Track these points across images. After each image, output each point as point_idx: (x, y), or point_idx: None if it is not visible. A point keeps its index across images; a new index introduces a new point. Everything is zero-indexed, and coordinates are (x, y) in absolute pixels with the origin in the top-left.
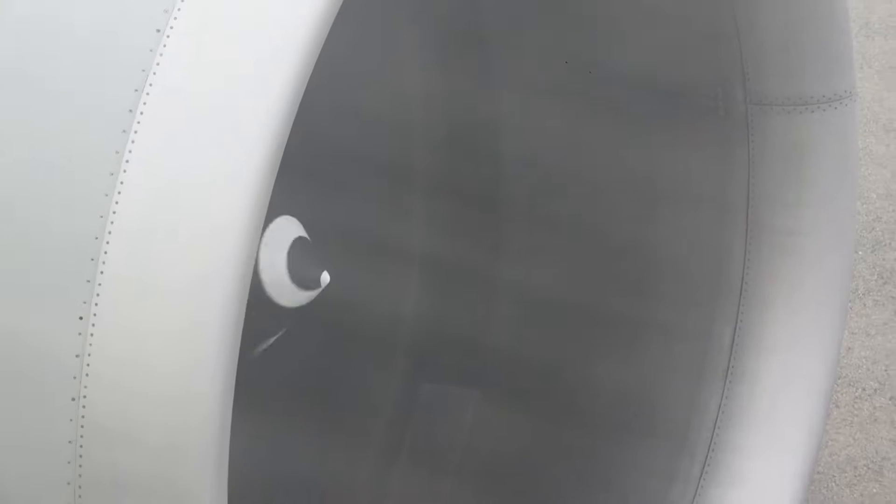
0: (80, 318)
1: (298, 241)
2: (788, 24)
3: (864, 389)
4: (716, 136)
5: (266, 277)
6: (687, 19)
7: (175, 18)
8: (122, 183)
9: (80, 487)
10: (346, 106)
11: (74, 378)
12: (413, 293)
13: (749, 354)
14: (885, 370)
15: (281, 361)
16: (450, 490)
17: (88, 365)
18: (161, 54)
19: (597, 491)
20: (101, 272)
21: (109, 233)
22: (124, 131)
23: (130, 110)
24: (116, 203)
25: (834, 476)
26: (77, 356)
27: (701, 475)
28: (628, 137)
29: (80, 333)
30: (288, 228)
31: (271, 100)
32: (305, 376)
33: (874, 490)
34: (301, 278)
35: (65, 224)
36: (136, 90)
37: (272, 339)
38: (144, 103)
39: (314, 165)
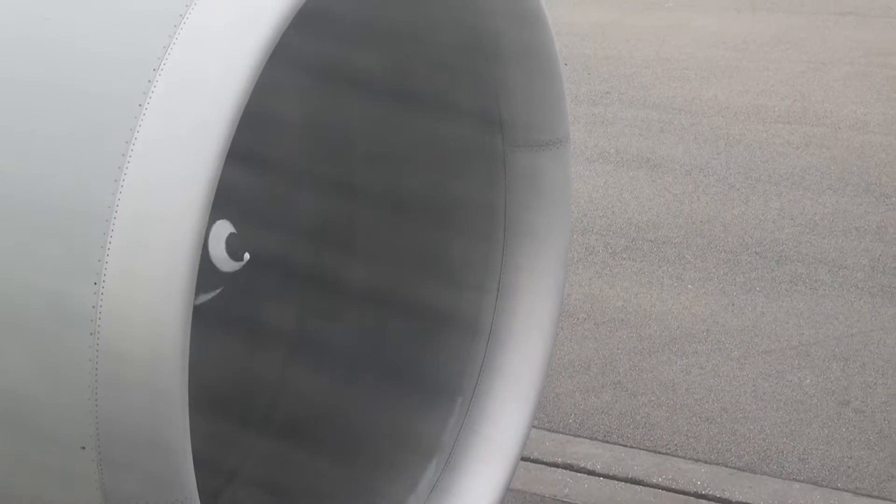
0: (95, 283)
1: (231, 235)
2: (527, 96)
3: (577, 319)
4: (488, 165)
5: (213, 255)
6: (463, 87)
7: (151, 95)
8: (119, 200)
9: (96, 389)
10: (247, 122)
11: (91, 320)
12: (298, 248)
13: (509, 297)
14: (590, 307)
15: (217, 306)
16: (327, 377)
17: (101, 312)
18: (139, 128)
19: (414, 376)
20: (108, 253)
21: (112, 228)
22: (119, 167)
23: (123, 154)
24: (116, 212)
25: (560, 372)
26: (93, 307)
27: (479, 371)
28: (437, 160)
29: (95, 293)
30: (225, 227)
31: (208, 162)
32: (229, 310)
33: (588, 353)
34: (233, 255)
35: (78, 224)
36: (126, 141)
37: (212, 294)
38: (132, 150)
39: (231, 173)
